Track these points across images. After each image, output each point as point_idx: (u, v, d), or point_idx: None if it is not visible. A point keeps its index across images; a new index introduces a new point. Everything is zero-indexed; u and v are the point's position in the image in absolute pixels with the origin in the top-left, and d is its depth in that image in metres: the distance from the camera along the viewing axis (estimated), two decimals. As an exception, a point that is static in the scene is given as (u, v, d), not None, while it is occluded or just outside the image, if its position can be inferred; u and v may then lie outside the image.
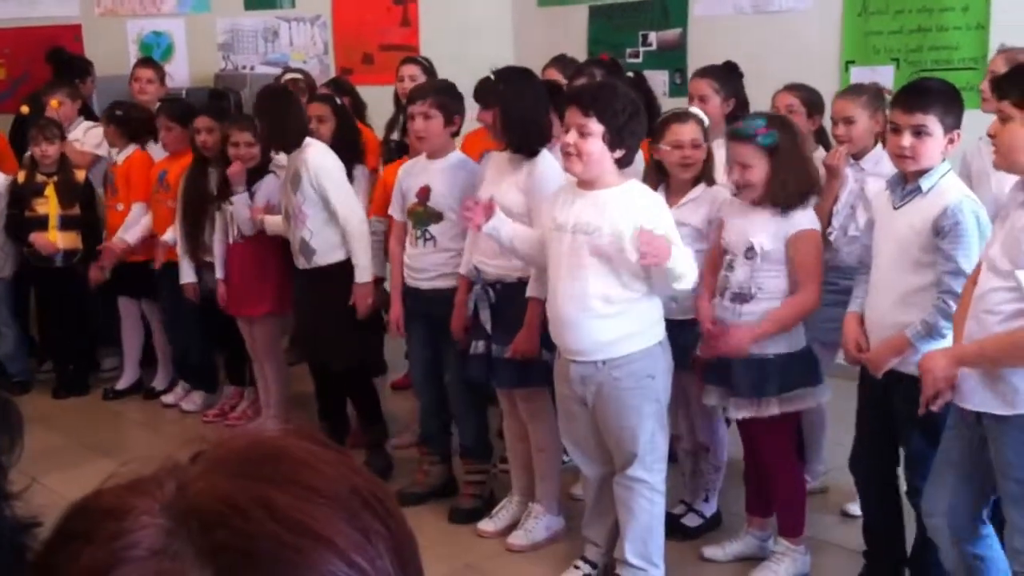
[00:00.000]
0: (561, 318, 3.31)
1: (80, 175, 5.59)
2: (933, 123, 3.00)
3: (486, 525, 4.00)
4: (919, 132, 3.01)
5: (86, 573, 0.56)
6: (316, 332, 4.49)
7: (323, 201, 4.30)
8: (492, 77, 3.89)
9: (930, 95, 3.06)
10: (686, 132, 3.67)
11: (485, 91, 3.92)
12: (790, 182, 3.35)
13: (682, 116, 3.76)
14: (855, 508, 3.88)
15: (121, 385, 5.73)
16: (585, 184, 3.30)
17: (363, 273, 4.31)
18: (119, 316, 5.69)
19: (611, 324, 3.26)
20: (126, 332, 5.72)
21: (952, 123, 3.02)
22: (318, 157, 4.32)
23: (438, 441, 4.31)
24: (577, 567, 3.60)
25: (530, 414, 3.84)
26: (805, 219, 3.40)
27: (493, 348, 3.75)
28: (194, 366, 5.50)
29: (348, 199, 4.35)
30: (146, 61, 6.08)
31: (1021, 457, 2.70)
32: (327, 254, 4.35)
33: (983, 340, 2.71)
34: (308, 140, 4.37)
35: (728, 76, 4.32)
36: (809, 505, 3.68)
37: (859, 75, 5.39)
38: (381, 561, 0.59)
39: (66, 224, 5.52)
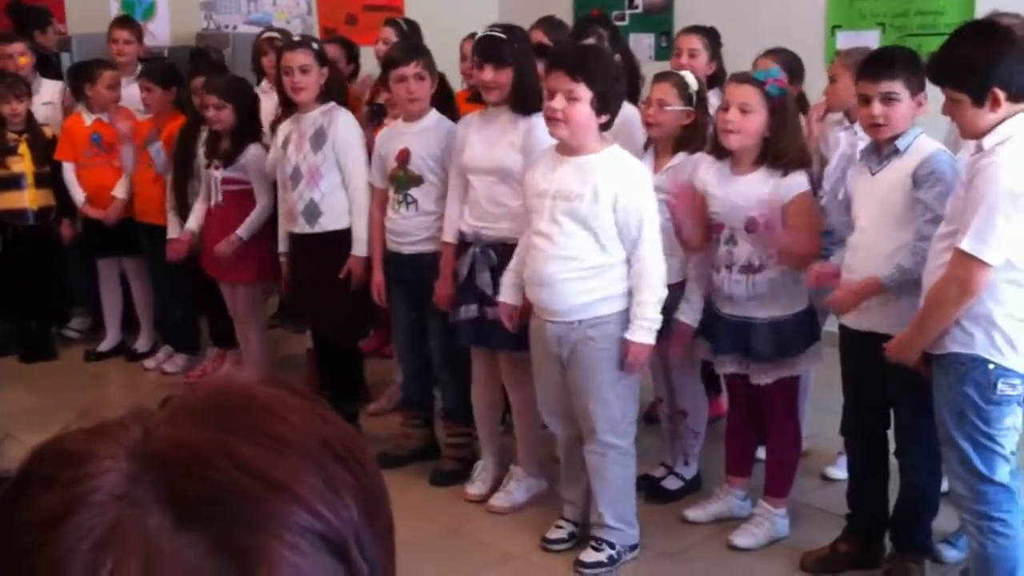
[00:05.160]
0: (541, 279, 3.32)
1: (48, 132, 5.54)
2: (900, 89, 3.07)
3: (473, 488, 4.01)
4: (888, 99, 3.07)
5: (46, 517, 0.55)
6: (318, 299, 4.35)
7: (339, 166, 4.22)
8: (502, 35, 3.71)
9: (894, 62, 3.14)
10: (656, 91, 3.70)
11: (498, 49, 3.68)
12: (790, 144, 3.37)
13: (663, 75, 3.78)
14: (835, 472, 3.92)
15: (103, 347, 5.70)
16: (568, 150, 3.29)
17: (361, 246, 4.22)
18: (97, 277, 5.66)
19: (589, 285, 3.28)
20: (106, 294, 5.69)
21: (917, 87, 3.08)
22: (350, 127, 4.25)
23: (421, 405, 4.32)
24: (560, 526, 3.63)
25: (516, 378, 3.84)
26: (796, 182, 3.40)
27: (488, 311, 3.70)
28: (177, 328, 5.49)
29: (363, 171, 4.22)
30: (122, 20, 5.95)
31: (933, 393, 2.88)
32: (335, 219, 4.23)
33: (915, 319, 2.88)
34: (332, 103, 4.27)
35: (714, 38, 4.30)
36: (790, 468, 3.72)
37: (845, 40, 5.38)
38: (347, 512, 0.58)
39: (40, 182, 5.46)
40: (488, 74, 3.65)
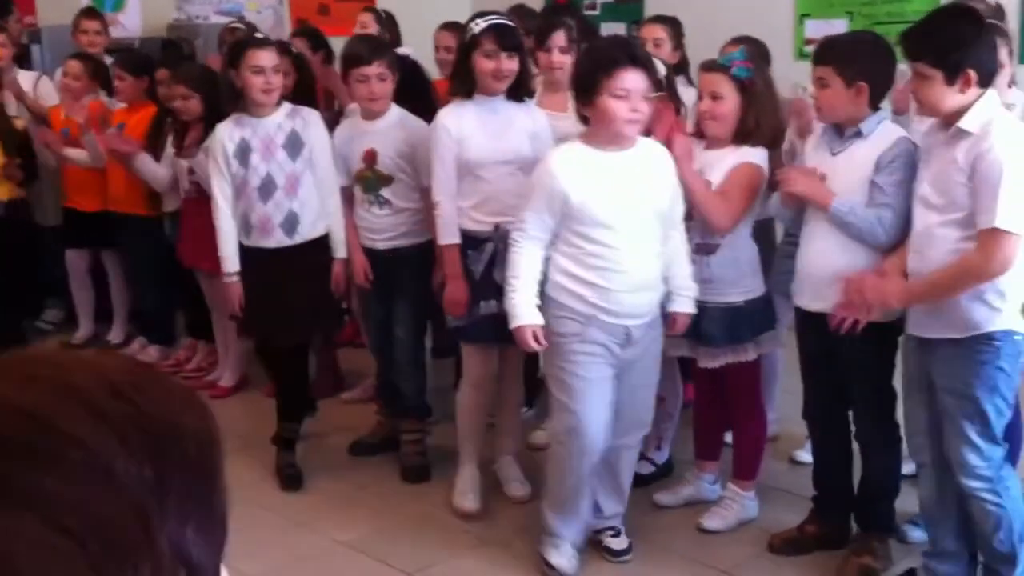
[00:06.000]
0: (637, 283, 3.19)
1: (19, 124, 5.51)
2: (830, 75, 3.12)
3: (468, 503, 3.82)
4: (821, 84, 3.15)
5: None
6: (300, 310, 3.99)
7: (313, 170, 3.92)
8: (513, 24, 3.68)
9: (826, 48, 3.23)
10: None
11: (516, 38, 3.62)
12: (762, 122, 3.41)
13: None
14: (804, 455, 3.97)
15: (77, 339, 5.69)
16: (613, 145, 3.16)
17: (343, 249, 3.99)
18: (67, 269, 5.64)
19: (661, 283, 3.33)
20: (75, 285, 5.67)
21: (855, 75, 3.11)
22: (322, 128, 3.96)
23: (395, 399, 4.30)
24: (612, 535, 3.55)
25: (511, 370, 3.86)
26: (750, 153, 3.44)
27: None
28: (153, 319, 5.49)
29: (335, 172, 3.98)
30: (89, 11, 5.94)
31: (973, 376, 2.90)
32: (314, 225, 3.93)
33: (931, 275, 2.89)
34: (292, 105, 3.96)
35: (676, 28, 4.35)
36: (760, 452, 3.77)
37: (814, 28, 5.45)
38: (113, 439, 0.60)
39: (9, 174, 5.43)
40: (510, 63, 3.57)
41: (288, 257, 3.89)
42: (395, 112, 3.97)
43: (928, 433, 3.07)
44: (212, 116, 4.55)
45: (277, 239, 3.89)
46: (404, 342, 4.09)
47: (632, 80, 3.06)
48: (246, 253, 3.93)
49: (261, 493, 3.94)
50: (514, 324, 3.22)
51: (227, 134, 3.86)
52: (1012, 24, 4.31)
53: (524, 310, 3.20)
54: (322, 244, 3.96)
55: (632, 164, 3.17)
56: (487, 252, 3.62)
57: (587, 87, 3.11)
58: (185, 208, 4.79)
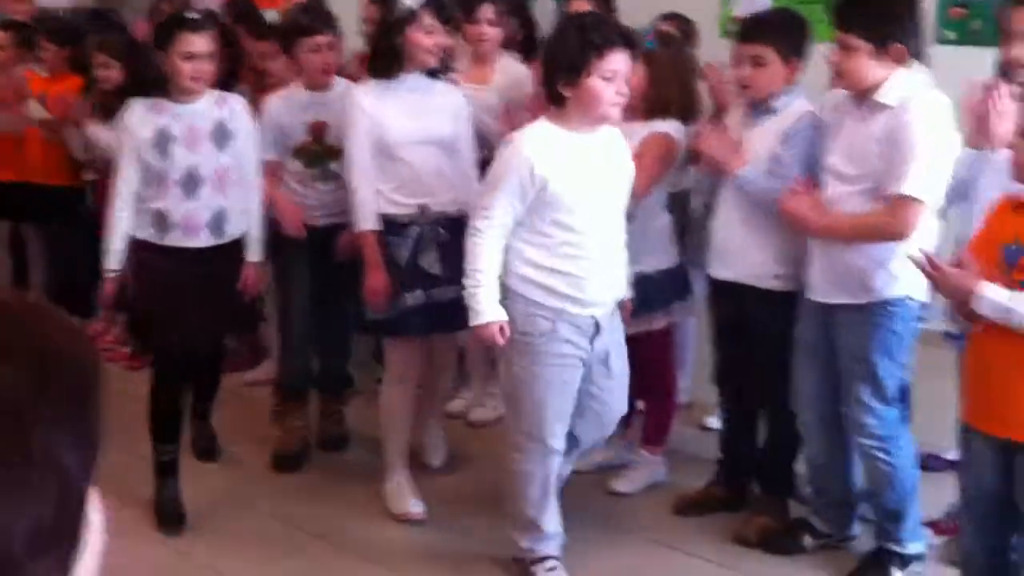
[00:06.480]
0: (606, 269, 3.09)
1: None
2: (768, 53, 3.19)
3: (417, 508, 3.62)
4: (756, 62, 3.21)
5: None
6: (228, 312, 3.75)
7: (239, 163, 3.59)
8: None
9: (764, 26, 3.28)
10: None
11: (452, 9, 3.58)
12: (667, 95, 3.47)
13: None
14: (714, 421, 4.07)
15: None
16: (586, 127, 3.03)
17: (260, 249, 3.67)
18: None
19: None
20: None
21: (790, 52, 3.20)
22: (247, 116, 3.62)
23: (340, 380, 4.26)
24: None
25: (448, 359, 3.80)
26: (664, 126, 3.49)
27: (436, 293, 3.47)
28: (70, 291, 5.45)
29: (258, 165, 3.68)
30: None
31: (870, 340, 3.02)
32: (240, 222, 3.59)
33: (851, 218, 3.01)
34: (224, 93, 3.64)
35: (607, 4, 4.39)
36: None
37: (739, 6, 5.51)
38: (12, 369, 0.69)
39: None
40: (446, 38, 3.49)
41: (212, 258, 3.53)
42: (342, 84, 3.86)
43: (818, 393, 3.18)
44: (134, 86, 4.53)
45: (203, 239, 3.52)
46: (339, 320, 3.99)
47: (621, 62, 2.92)
48: (162, 253, 3.50)
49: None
50: (479, 320, 2.99)
51: (138, 120, 3.46)
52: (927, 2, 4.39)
53: (490, 305, 2.99)
54: (242, 246, 3.63)
55: (600, 146, 3.04)
56: (411, 237, 3.47)
57: (573, 66, 2.90)
58: (103, 177, 4.72)
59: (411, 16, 3.44)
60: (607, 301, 3.10)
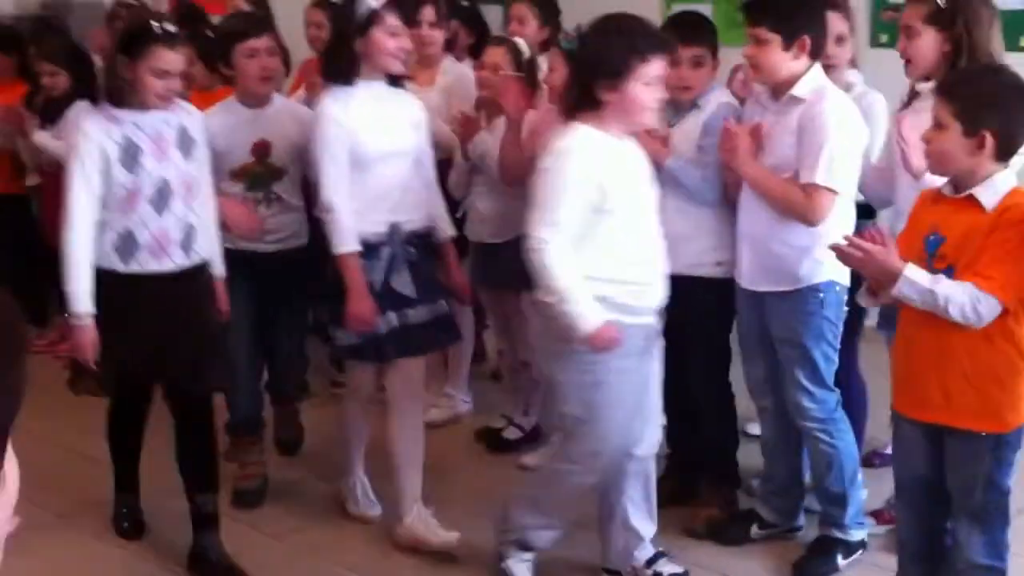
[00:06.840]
0: (660, 272, 3.01)
1: None
2: (706, 53, 3.36)
3: (374, 511, 3.65)
4: (697, 63, 3.35)
5: None
6: (209, 346, 3.32)
7: (201, 170, 3.30)
8: None
9: (697, 28, 3.42)
10: (490, 55, 3.87)
11: (414, 10, 3.57)
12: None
13: (497, 40, 3.97)
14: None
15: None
16: (622, 132, 2.95)
17: (222, 264, 3.39)
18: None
19: None
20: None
21: (716, 50, 3.39)
22: (202, 125, 3.31)
23: (258, 422, 3.93)
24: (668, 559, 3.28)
25: (411, 391, 3.41)
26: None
27: (409, 314, 3.32)
28: (24, 298, 5.42)
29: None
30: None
31: (801, 325, 3.15)
32: (206, 240, 3.28)
33: (779, 179, 3.11)
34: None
35: (545, 7, 4.48)
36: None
37: (680, 9, 5.60)
38: None
39: None
40: (408, 41, 3.34)
41: (182, 283, 3.18)
42: (279, 99, 3.71)
43: (768, 380, 3.32)
44: (80, 94, 4.48)
45: (174, 259, 3.16)
46: (287, 347, 3.90)
47: (663, 67, 2.86)
48: (125, 284, 3.12)
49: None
50: (587, 330, 2.79)
51: (104, 133, 3.08)
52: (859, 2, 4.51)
53: (591, 311, 2.80)
54: (208, 265, 3.31)
55: (635, 150, 2.99)
56: (384, 259, 3.28)
57: (616, 71, 2.80)
58: (47, 183, 4.70)
59: (374, 16, 3.24)
60: (659, 304, 3.01)
